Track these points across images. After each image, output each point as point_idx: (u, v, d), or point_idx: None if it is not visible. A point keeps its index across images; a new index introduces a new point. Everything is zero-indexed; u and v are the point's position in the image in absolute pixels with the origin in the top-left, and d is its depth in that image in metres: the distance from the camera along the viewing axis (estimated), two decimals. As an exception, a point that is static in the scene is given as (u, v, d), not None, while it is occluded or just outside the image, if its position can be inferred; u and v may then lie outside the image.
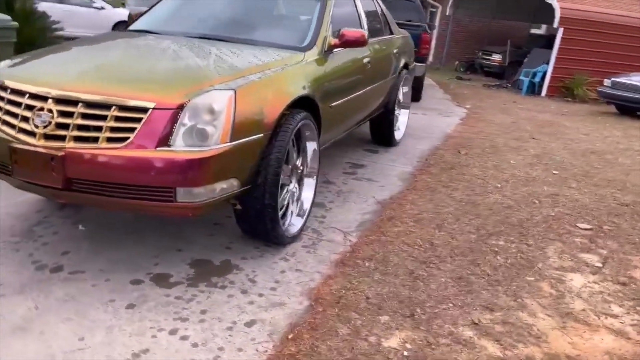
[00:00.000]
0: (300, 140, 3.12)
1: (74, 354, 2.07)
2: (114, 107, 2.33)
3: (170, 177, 2.31)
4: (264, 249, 2.98)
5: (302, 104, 2.96)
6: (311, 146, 3.19)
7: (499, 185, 4.39)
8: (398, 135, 5.42)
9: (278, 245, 3.00)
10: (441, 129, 6.58)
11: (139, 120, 2.32)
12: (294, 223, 3.07)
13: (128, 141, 2.30)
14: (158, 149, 2.30)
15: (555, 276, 2.91)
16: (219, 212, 3.21)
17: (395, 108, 5.19)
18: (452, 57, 16.54)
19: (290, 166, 2.98)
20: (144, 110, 2.32)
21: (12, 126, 2.46)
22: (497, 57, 15.19)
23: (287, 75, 2.93)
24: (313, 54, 3.26)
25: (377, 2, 4.88)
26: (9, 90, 2.54)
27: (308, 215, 3.24)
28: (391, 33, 4.99)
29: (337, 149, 5.04)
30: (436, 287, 2.68)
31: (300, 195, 3.20)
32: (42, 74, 2.59)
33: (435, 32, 15.93)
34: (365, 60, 4.00)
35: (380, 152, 5.11)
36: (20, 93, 2.48)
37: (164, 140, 2.31)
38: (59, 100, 2.38)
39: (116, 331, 2.21)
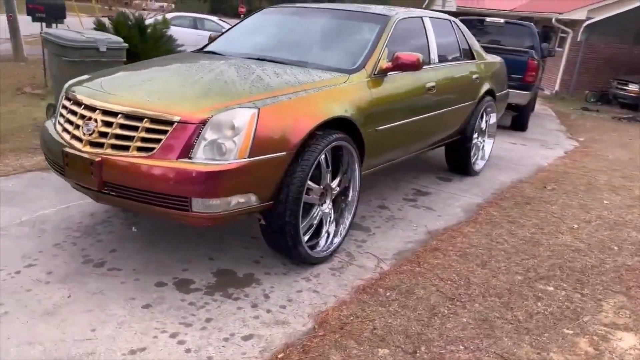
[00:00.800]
0: (341, 161, 3.12)
1: (82, 343, 2.25)
2: (145, 120, 2.53)
3: (185, 187, 2.45)
4: (290, 267, 3.01)
5: (341, 125, 2.97)
6: (352, 168, 3.17)
7: (575, 226, 3.98)
8: (478, 165, 5.16)
9: (305, 264, 3.00)
10: (535, 161, 6.13)
11: (165, 132, 2.49)
12: (321, 244, 3.06)
13: (154, 151, 2.48)
14: (180, 160, 2.45)
15: (600, 333, 2.57)
16: (257, 226, 3.29)
17: (476, 136, 4.95)
18: (581, 85, 15.32)
19: (321, 186, 2.98)
20: (171, 123, 2.49)
21: (68, 133, 2.77)
22: (634, 87, 13.80)
23: (322, 96, 2.95)
24: (360, 76, 3.25)
25: (455, 26, 4.72)
26: (71, 102, 2.87)
27: (343, 237, 3.21)
28: (472, 58, 4.79)
29: (407, 173, 4.93)
30: (452, 327, 2.51)
31: (339, 216, 3.20)
32: (97, 88, 2.88)
33: (563, 59, 14.93)
34: (429, 84, 3.89)
35: (453, 181, 4.90)
36: (78, 104, 2.79)
37: (185, 152, 2.45)
38: (103, 112, 2.64)
39: (125, 327, 2.37)
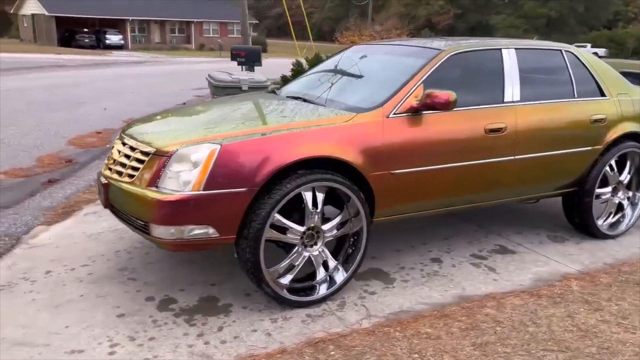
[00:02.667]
0: (345, 205, 2.99)
1: (50, 335, 2.65)
2: (137, 151, 2.89)
3: (144, 213, 2.71)
4: (270, 305, 2.96)
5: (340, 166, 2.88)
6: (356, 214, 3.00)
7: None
8: (619, 227, 4.15)
9: (287, 305, 2.93)
10: None
11: (143, 162, 2.80)
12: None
13: (134, 178, 2.81)
14: (148, 187, 2.72)
15: None
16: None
17: (608, 190, 4.02)
18: None
19: (304, 227, 2.89)
20: (148, 154, 2.79)
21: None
22: None
23: (307, 135, 2.88)
24: (370, 116, 3.05)
25: (572, 58, 3.91)
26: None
27: (339, 286, 3.04)
28: (599, 95, 3.90)
29: (505, 223, 4.27)
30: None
31: (346, 263, 3.08)
32: (133, 127, 3.34)
33: None
34: (494, 125, 3.36)
35: (566, 242, 4.03)
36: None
37: (154, 181, 2.71)
38: (122, 144, 3.09)
39: (89, 329, 2.72)
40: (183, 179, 2.64)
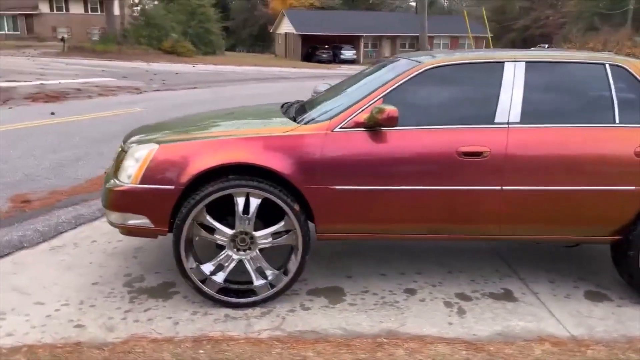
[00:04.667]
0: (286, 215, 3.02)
1: (42, 289, 3.33)
2: (120, 150, 3.38)
3: (103, 200, 3.19)
4: (207, 301, 3.15)
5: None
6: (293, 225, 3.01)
7: None
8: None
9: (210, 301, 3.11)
10: None
11: (123, 160, 3.27)
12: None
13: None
14: (114, 179, 3.19)
15: None
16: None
17: None
18: None
19: (234, 231, 3.01)
20: (123, 152, 3.25)
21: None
22: None
23: (239, 142, 3.01)
24: (313, 128, 3.01)
25: (615, 70, 3.08)
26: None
27: (267, 295, 3.08)
28: None
29: (535, 262, 3.60)
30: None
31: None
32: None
33: None
34: (469, 149, 2.95)
35: (600, 300, 3.22)
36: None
37: (116, 174, 3.18)
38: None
39: (65, 289, 3.30)
40: (128, 173, 3.03)
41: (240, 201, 2.98)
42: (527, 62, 3.13)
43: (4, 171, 5.80)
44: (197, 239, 3.10)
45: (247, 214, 2.99)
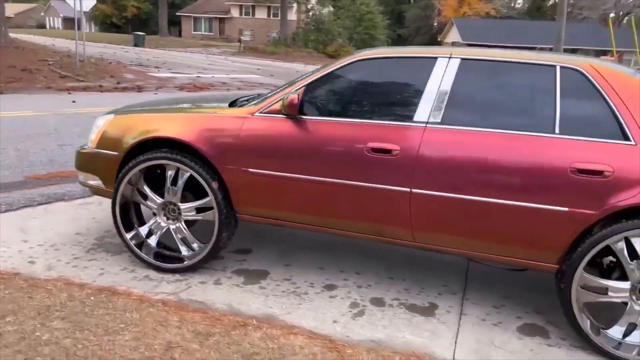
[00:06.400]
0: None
1: (40, 232, 3.99)
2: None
3: (75, 162, 3.69)
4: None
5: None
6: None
7: None
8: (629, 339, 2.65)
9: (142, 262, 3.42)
10: None
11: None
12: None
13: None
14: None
15: None
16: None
17: (613, 286, 2.63)
18: None
19: (163, 200, 3.28)
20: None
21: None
22: None
23: (174, 118, 3.26)
24: (239, 111, 3.14)
25: (569, 75, 2.61)
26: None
27: (186, 265, 3.29)
28: (623, 137, 2.53)
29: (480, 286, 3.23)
30: None
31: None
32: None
33: None
34: (379, 145, 2.81)
35: (535, 334, 2.83)
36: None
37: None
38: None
39: (50, 237, 3.90)
40: (91, 138, 3.48)
41: (170, 174, 3.23)
42: (462, 59, 2.87)
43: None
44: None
45: (175, 186, 3.23)
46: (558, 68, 2.73)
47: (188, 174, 3.17)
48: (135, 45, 31.42)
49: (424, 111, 2.83)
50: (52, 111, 8.98)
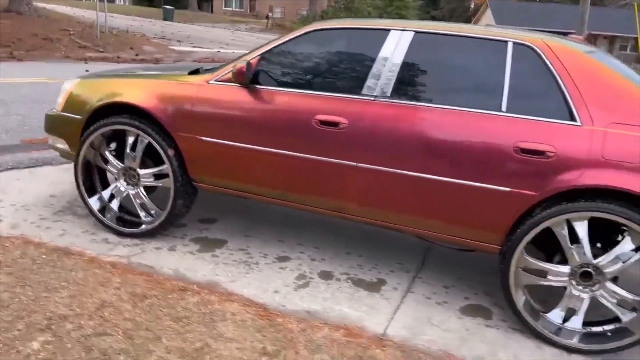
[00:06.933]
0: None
1: (18, 193, 4.11)
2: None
3: (45, 126, 3.76)
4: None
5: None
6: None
7: None
8: (566, 327, 2.59)
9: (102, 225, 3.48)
10: None
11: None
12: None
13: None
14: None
15: None
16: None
17: (570, 275, 2.58)
18: None
19: (122, 165, 3.33)
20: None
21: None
22: None
23: (137, 83, 3.29)
24: (197, 78, 3.16)
25: (521, 51, 2.53)
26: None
27: (142, 230, 3.34)
28: (570, 117, 2.45)
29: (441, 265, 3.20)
30: None
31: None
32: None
33: None
34: (327, 117, 2.78)
35: (486, 316, 2.80)
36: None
37: (64, 105, 3.73)
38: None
39: (27, 199, 4.02)
40: (58, 101, 3.54)
41: (131, 140, 3.26)
42: (416, 32, 2.80)
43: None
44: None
45: (135, 152, 3.27)
46: (510, 44, 2.64)
47: (147, 141, 3.20)
48: (165, 19, 31.59)
49: (373, 85, 2.78)
50: (64, 79, 9.15)
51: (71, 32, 14.50)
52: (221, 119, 3.03)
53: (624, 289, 2.51)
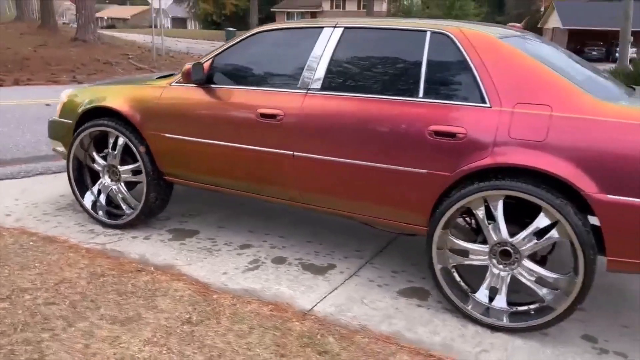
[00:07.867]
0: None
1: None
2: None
3: (49, 132, 4.23)
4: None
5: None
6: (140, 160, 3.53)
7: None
8: (493, 306, 2.63)
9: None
10: None
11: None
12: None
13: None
14: (56, 115, 4.21)
15: None
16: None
17: (490, 253, 2.63)
18: None
19: (106, 163, 3.71)
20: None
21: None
22: None
23: (120, 90, 3.64)
24: (162, 81, 3.47)
25: (438, 39, 2.59)
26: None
27: (125, 222, 3.68)
28: (480, 100, 2.51)
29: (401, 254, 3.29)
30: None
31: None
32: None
33: None
34: (266, 110, 3.00)
35: (422, 297, 2.89)
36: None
37: (65, 113, 4.19)
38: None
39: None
40: (57, 109, 3.99)
41: (111, 140, 3.63)
42: (345, 28, 2.97)
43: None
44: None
45: (115, 150, 3.63)
46: (428, 34, 2.74)
47: (123, 140, 3.55)
48: (227, 40, 33.08)
49: (306, 78, 2.97)
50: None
51: (130, 56, 15.62)
52: (179, 116, 3.32)
53: (543, 267, 2.52)
